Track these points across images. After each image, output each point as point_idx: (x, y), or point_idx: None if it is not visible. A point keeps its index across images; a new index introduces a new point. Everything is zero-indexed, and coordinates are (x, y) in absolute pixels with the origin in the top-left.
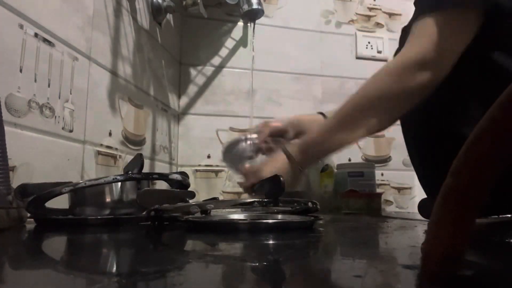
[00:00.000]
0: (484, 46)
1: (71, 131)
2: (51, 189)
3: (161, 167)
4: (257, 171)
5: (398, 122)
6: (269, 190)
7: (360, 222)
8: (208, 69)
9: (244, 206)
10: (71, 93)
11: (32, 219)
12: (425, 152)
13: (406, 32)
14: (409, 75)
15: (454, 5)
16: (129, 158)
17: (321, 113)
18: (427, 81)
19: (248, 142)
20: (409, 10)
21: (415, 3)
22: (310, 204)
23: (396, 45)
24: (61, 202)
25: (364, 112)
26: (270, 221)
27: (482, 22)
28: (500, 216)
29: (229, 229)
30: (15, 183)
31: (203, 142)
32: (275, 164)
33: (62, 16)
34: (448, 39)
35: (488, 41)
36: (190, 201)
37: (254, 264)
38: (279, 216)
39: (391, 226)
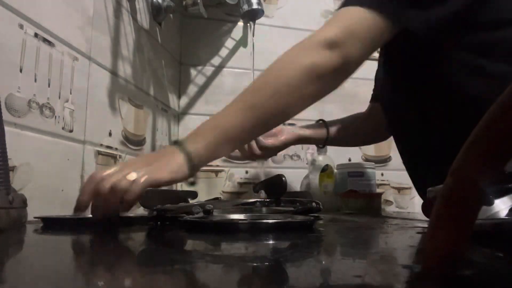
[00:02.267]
0: (439, 65)
1: (71, 131)
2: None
3: None
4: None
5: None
6: (271, 190)
7: (360, 222)
8: (208, 69)
9: (246, 206)
10: (71, 93)
11: (33, 219)
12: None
13: None
14: (318, 51)
15: (370, 6)
16: (129, 158)
17: (322, 120)
18: (335, 61)
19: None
20: None
21: None
22: (314, 204)
23: None
24: (61, 201)
25: (271, 93)
26: (270, 221)
27: (393, 34)
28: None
29: (229, 229)
30: (15, 183)
31: None
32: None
33: (62, 16)
34: (359, 29)
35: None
36: (192, 201)
37: (254, 264)
38: (279, 216)
39: (391, 226)
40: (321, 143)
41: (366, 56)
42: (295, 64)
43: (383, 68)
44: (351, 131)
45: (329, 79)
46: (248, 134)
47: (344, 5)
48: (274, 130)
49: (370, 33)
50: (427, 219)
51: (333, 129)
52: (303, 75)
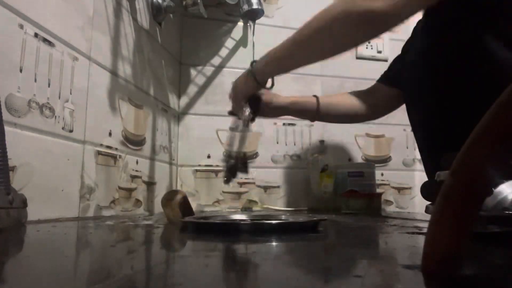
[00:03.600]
0: (481, 35)
1: (71, 131)
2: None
3: (161, 167)
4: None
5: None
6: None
7: (360, 222)
8: (208, 69)
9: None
10: (71, 93)
11: (33, 219)
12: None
13: (421, 22)
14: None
15: None
16: (129, 158)
17: (315, 96)
18: (379, 7)
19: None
20: None
21: None
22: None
23: (397, 45)
24: (61, 201)
25: (319, 33)
26: (272, 221)
27: None
28: None
29: (231, 230)
30: (15, 183)
31: (203, 142)
32: (241, 78)
33: (62, 16)
34: None
35: (484, 30)
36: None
37: (255, 264)
38: (282, 217)
39: (391, 226)
40: (313, 114)
41: (418, 6)
42: (336, 9)
43: (422, 34)
44: (343, 104)
45: (378, 24)
46: (294, 63)
47: None
48: (269, 95)
49: None
50: (427, 219)
51: (324, 100)
52: (351, 25)
